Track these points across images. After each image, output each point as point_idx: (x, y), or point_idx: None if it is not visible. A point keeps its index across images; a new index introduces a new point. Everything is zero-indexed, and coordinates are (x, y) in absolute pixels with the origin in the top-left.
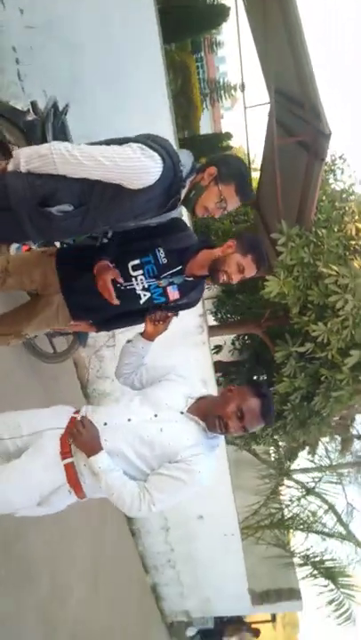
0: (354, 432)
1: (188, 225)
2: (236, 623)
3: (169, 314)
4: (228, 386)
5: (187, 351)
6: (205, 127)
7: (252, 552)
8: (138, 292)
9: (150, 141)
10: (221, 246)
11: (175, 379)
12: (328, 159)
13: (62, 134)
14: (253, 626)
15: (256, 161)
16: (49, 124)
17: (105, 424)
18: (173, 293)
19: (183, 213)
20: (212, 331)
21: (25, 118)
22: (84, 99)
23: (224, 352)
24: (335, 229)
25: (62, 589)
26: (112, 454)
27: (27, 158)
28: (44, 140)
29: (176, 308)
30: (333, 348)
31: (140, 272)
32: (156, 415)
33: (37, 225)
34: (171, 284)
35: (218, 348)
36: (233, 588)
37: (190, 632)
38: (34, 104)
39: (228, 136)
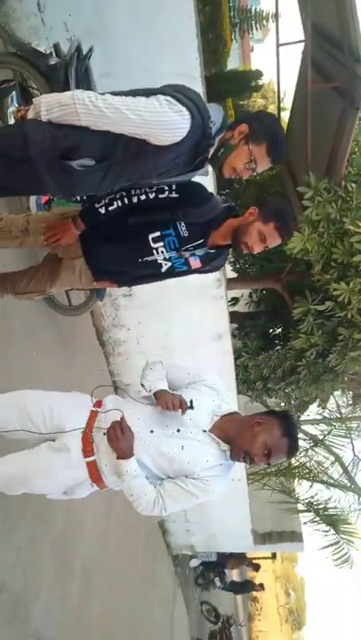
0: None
1: (212, 190)
2: (238, 558)
3: (180, 410)
4: (256, 417)
5: (204, 304)
6: (234, 61)
7: (258, 496)
8: (159, 261)
9: (179, 94)
10: (244, 214)
11: (203, 390)
12: None
13: (85, 80)
14: (254, 561)
15: (286, 100)
16: (72, 69)
17: None
18: (195, 263)
19: (209, 172)
20: (231, 284)
21: (47, 62)
22: (108, 31)
23: (241, 304)
24: None
25: (76, 524)
26: None
27: (47, 107)
28: (66, 86)
29: (198, 272)
30: (354, 308)
31: (161, 244)
32: (178, 430)
33: (57, 178)
34: (193, 255)
35: (235, 300)
36: (237, 528)
37: (194, 563)
38: (57, 47)
39: (258, 74)
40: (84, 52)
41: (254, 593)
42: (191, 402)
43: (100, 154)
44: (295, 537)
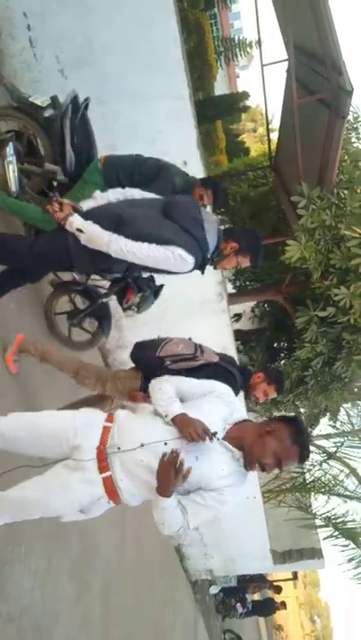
0: None
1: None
2: (259, 581)
3: (207, 439)
4: (266, 425)
5: (206, 319)
6: (221, 87)
7: (274, 514)
8: None
9: (187, 238)
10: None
11: (213, 400)
12: (350, 117)
13: (83, 129)
14: (275, 583)
15: (274, 121)
16: (67, 120)
17: (142, 445)
18: None
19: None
20: (232, 298)
21: (44, 114)
22: (98, 61)
23: (244, 320)
24: (358, 190)
25: (91, 546)
26: (149, 472)
27: (89, 239)
28: (62, 135)
29: None
30: (356, 312)
31: None
32: None
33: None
34: None
35: (237, 317)
36: (256, 548)
37: (213, 590)
38: (54, 99)
39: (245, 95)
40: (81, 102)
41: (278, 619)
42: (215, 433)
43: (125, 269)
44: (315, 553)
